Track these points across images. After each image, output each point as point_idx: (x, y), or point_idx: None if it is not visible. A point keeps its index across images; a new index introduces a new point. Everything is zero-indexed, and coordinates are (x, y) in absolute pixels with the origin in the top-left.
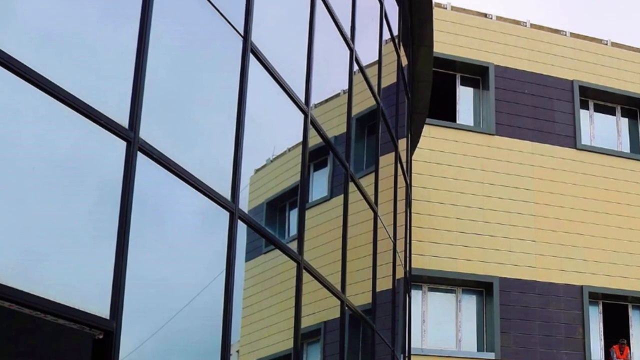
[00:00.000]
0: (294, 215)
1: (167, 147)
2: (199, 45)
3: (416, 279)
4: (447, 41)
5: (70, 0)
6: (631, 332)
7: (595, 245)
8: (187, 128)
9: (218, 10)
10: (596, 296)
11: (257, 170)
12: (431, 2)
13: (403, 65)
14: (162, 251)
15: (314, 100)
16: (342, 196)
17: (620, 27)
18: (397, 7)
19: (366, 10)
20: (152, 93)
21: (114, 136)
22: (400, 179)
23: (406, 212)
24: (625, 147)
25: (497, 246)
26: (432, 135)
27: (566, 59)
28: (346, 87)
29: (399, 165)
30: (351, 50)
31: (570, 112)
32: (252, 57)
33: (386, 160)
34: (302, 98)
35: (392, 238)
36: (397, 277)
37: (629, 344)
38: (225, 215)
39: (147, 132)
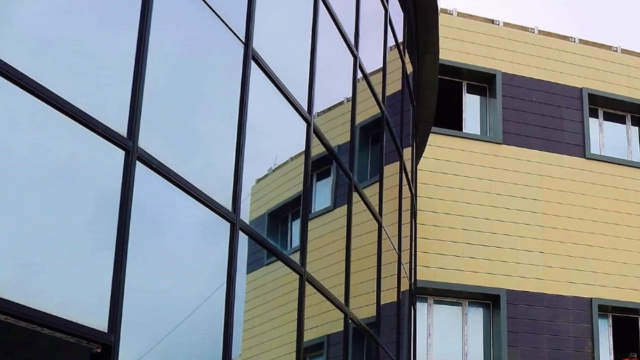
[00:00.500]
0: (296, 226)
1: (167, 156)
2: (199, 52)
3: (421, 292)
4: (453, 48)
5: (68, 6)
6: None
7: (605, 256)
8: (187, 137)
9: (219, 16)
10: (606, 309)
11: (258, 180)
12: (437, 8)
13: (408, 72)
14: (161, 263)
15: (317, 108)
16: (345, 206)
17: (631, 33)
18: (402, 13)
19: (370, 16)
20: (151, 101)
21: (112, 145)
22: (405, 189)
23: (411, 223)
24: (636, 156)
25: (504, 258)
26: (437, 144)
27: (575, 66)
28: (350, 94)
29: (403, 175)
30: (355, 57)
31: (579, 120)
32: (253, 64)
33: (391, 170)
34: (305, 106)
35: (396, 249)
36: (402, 289)
37: (639, 358)
38: (226, 226)
39: (146, 141)
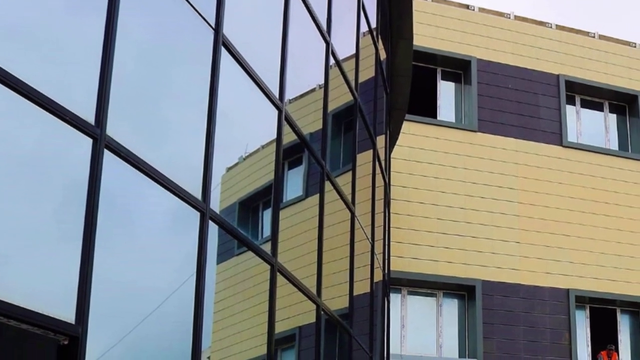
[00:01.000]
0: (267, 215)
1: (135, 144)
2: (169, 38)
3: (395, 282)
4: (427, 34)
5: None
6: (619, 337)
7: (582, 246)
8: (156, 124)
9: (188, 1)
10: (583, 300)
11: (229, 169)
12: None
13: (381, 59)
14: (130, 253)
15: (289, 95)
16: (317, 196)
17: (608, 19)
18: None
19: (343, 2)
20: (120, 88)
21: (79, 133)
22: (379, 177)
23: (385, 212)
24: (614, 145)
25: (479, 248)
26: (411, 132)
27: (552, 53)
28: (322, 81)
29: (377, 163)
30: (327, 43)
31: (556, 107)
32: (223, 51)
33: (364, 158)
34: (276, 93)
35: (370, 239)
36: (376, 280)
37: (617, 350)
38: (196, 215)
39: (114, 129)
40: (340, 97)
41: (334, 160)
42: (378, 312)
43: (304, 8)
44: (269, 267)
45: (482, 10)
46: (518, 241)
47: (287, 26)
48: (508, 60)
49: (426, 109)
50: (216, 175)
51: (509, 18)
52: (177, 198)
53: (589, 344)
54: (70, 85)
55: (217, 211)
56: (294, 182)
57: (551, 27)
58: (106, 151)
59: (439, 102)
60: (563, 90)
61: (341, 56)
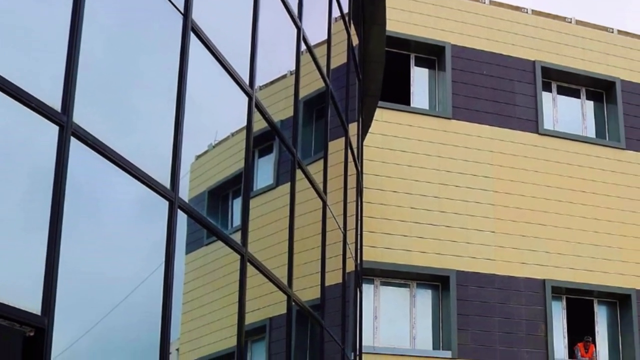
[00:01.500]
0: (237, 204)
1: (103, 132)
2: (137, 23)
3: (368, 273)
4: (400, 19)
5: None
6: (597, 329)
7: (559, 236)
8: (123, 112)
9: None
10: (559, 291)
11: (198, 157)
12: None
13: (354, 44)
14: (97, 243)
15: (259, 82)
16: (288, 184)
17: (585, 4)
18: None
19: None
20: (87, 74)
21: (45, 120)
22: (351, 165)
23: (357, 201)
24: (591, 132)
25: (454, 238)
26: (384, 119)
27: (527, 38)
28: (293, 68)
29: (349, 151)
30: (298, 28)
31: (531, 94)
32: (192, 36)
33: (336, 146)
34: (246, 79)
35: (342, 229)
36: (348, 270)
37: (594, 342)
38: (165, 204)
39: (81, 116)
40: (312, 83)
41: (305, 148)
42: (350, 303)
43: None
44: (239, 257)
45: None
46: (493, 231)
47: (257, 11)
48: (483, 46)
49: (399, 95)
50: (185, 163)
51: (484, 3)
52: (145, 186)
53: (566, 335)
54: (36, 72)
55: (186, 200)
56: (265, 170)
57: (527, 12)
58: (73, 139)
59: (412, 89)
60: (539, 77)
61: (313, 42)
